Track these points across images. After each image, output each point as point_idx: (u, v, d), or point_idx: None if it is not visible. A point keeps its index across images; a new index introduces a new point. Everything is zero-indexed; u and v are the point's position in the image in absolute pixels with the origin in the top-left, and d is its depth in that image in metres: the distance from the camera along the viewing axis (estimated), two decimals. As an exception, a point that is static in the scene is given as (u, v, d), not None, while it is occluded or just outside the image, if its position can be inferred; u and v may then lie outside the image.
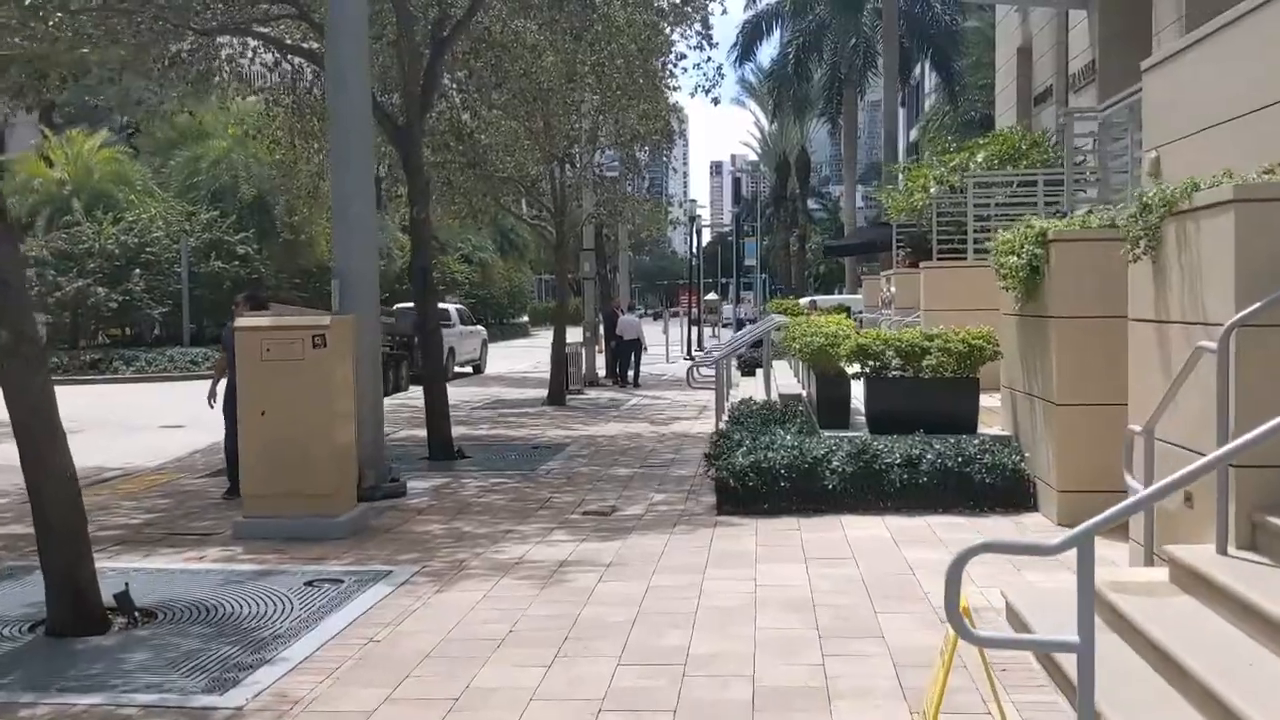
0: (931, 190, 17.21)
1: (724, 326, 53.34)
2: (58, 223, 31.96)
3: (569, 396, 20.03)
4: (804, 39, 36.37)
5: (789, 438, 9.28)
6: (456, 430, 14.53)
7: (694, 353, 33.13)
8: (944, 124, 41.66)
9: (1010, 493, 8.53)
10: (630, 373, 23.61)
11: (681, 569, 7.03)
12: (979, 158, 17.01)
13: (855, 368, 10.18)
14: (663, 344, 33.13)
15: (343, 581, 6.93)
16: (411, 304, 31.84)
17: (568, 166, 19.66)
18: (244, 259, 33.17)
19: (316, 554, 7.68)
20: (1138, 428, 5.81)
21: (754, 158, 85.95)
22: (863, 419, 10.21)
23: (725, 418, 13.48)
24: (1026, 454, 8.66)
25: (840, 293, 39.58)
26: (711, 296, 58.53)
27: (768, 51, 38.95)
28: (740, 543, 7.74)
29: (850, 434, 9.66)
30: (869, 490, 8.64)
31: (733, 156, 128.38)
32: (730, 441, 9.63)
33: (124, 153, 37.31)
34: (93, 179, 33.91)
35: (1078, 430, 7.82)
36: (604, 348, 24.86)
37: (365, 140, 10.05)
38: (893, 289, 17.05)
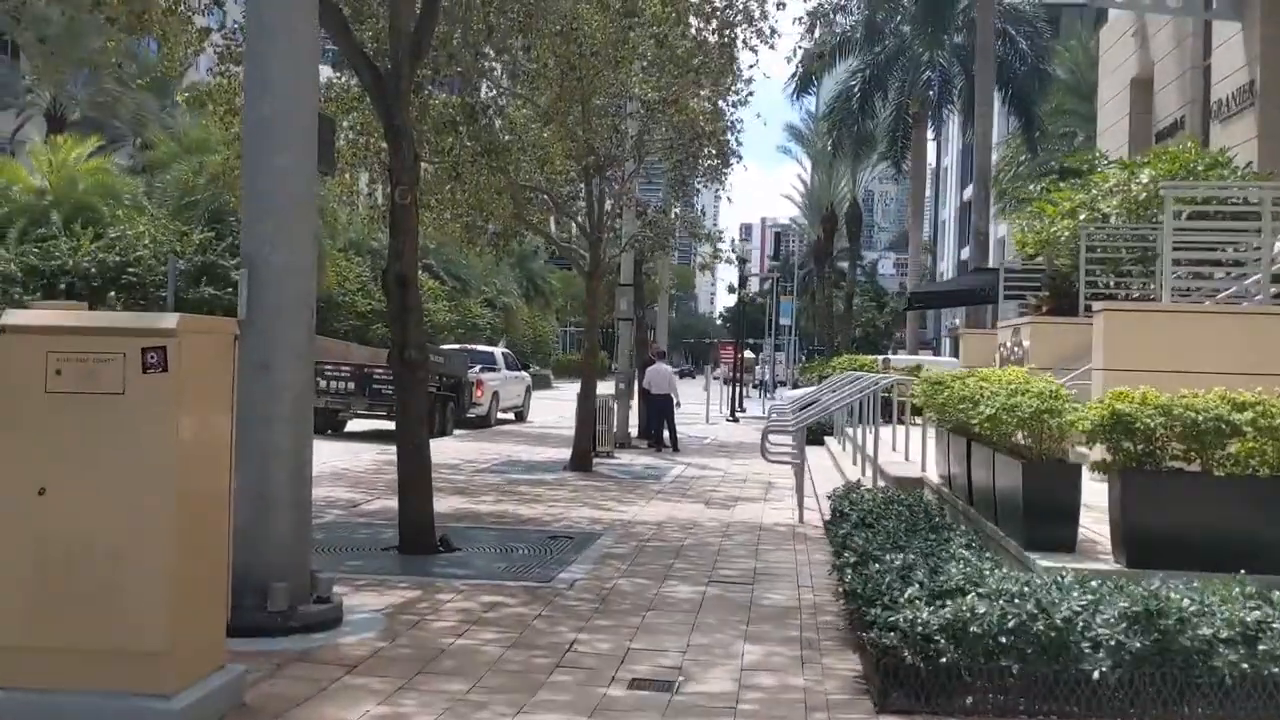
0: (1080, 218, 13.35)
1: (755, 387, 49.31)
2: (32, 235, 28.54)
3: (596, 460, 16.13)
4: (872, 70, 32.70)
5: (997, 573, 5.30)
6: (449, 503, 10.75)
7: (736, 413, 29.20)
8: (1018, 174, 37.94)
9: None
10: (666, 434, 19.53)
11: None
12: (1143, 177, 13.15)
13: (1090, 452, 6.25)
14: (702, 403, 29.17)
15: None
16: (459, 346, 28.68)
17: (608, 182, 15.93)
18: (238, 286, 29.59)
19: (96, 791, 3.76)
20: None
21: (785, 221, 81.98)
22: (1098, 537, 6.25)
23: (822, 507, 9.61)
24: None
25: (891, 354, 35.26)
26: (748, 355, 54.62)
27: (827, 88, 35.16)
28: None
29: (1087, 565, 5.70)
30: (1165, 686, 4.65)
31: (762, 220, 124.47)
32: (880, 566, 5.68)
33: (117, 165, 34.06)
34: (76, 190, 30.43)
35: None
36: (639, 404, 20.97)
37: (305, 42, 6.27)
38: (1026, 343, 13.11)
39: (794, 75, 33.81)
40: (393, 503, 9.25)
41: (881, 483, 10.50)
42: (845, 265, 54.18)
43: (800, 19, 13.79)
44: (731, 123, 15.04)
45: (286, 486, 6.17)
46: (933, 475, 10.14)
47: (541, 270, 61.39)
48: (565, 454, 16.14)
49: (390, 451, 13.08)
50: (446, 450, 17.50)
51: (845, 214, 49.72)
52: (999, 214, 44.14)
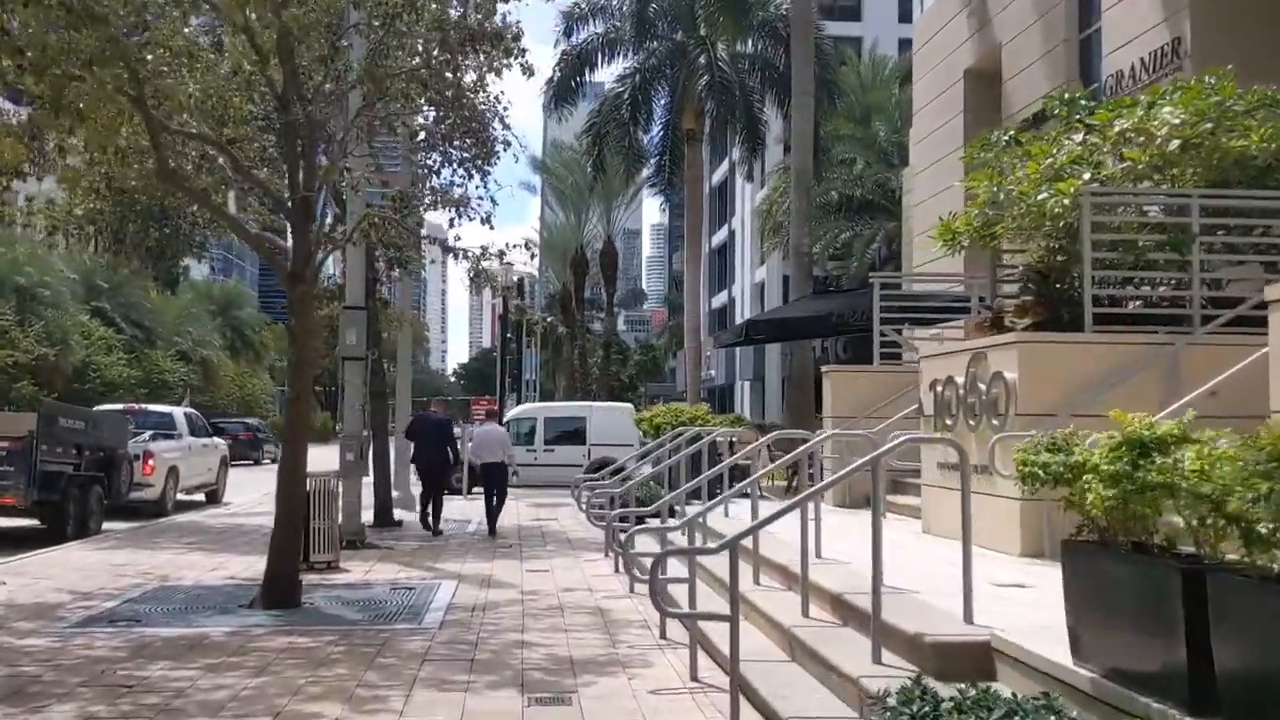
0: (1084, 179, 8.57)
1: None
2: None
3: (311, 580, 9.90)
4: (642, 76, 27.94)
5: None
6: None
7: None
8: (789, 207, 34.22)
9: None
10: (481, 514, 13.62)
11: None
12: (1168, 117, 8.55)
13: None
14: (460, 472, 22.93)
15: None
16: (120, 406, 21.36)
17: (317, 132, 9.86)
18: None
19: None
20: None
21: (518, 270, 76.65)
22: None
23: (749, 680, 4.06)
24: None
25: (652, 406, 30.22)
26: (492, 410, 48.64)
27: (588, 101, 30.13)
28: None
29: None
30: None
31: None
32: None
33: None
34: None
35: None
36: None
37: None
38: (1008, 375, 8.09)
39: (550, 80, 28.59)
40: None
41: (894, 657, 5.06)
42: (593, 314, 49.52)
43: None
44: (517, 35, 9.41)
45: None
46: (1030, 644, 4.75)
47: (251, 319, 53.22)
48: (259, 566, 9.83)
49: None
50: (62, 568, 10.79)
51: (599, 255, 45.12)
52: (769, 252, 40.53)
